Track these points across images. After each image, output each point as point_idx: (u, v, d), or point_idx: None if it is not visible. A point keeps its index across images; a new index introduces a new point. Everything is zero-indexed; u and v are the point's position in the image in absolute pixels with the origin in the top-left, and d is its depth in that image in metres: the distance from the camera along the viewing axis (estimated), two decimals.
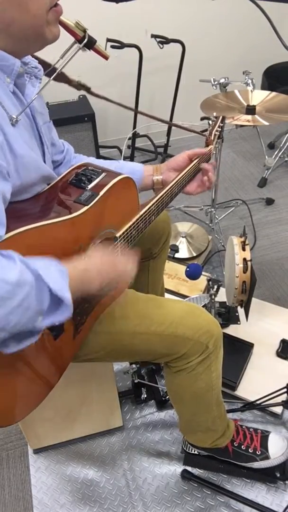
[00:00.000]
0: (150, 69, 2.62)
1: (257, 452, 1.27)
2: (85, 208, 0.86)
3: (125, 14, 2.30)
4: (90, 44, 0.84)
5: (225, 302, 1.66)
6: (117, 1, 1.66)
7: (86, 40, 0.83)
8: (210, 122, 1.38)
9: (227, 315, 1.68)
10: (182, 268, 1.87)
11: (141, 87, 2.58)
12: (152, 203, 1.02)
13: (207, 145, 1.26)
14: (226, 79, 1.98)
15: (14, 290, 0.62)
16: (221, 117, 1.36)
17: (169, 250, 1.60)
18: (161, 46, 2.40)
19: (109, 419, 1.45)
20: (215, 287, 1.56)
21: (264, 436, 1.30)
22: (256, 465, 1.28)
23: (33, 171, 0.83)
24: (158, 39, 2.39)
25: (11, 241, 0.70)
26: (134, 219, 0.98)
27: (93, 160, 1.15)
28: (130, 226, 0.97)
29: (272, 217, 2.42)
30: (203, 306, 1.59)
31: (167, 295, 1.74)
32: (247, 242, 1.44)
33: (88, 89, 1.00)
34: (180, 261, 2.00)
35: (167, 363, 1.10)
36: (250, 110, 1.90)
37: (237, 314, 1.71)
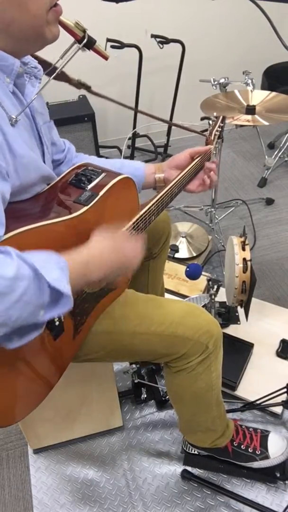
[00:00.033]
0: (150, 69, 2.62)
1: (256, 452, 1.27)
2: (85, 208, 0.86)
3: (125, 14, 2.30)
4: (90, 44, 0.84)
5: (225, 302, 1.66)
6: (117, 1, 1.66)
7: (85, 40, 0.83)
8: (210, 122, 1.38)
9: (227, 315, 1.68)
10: (182, 268, 1.87)
11: (141, 87, 2.58)
12: (152, 203, 1.02)
13: (207, 145, 1.26)
14: (226, 79, 1.98)
15: (12, 285, 0.62)
16: (221, 117, 1.36)
17: (169, 250, 1.60)
18: (161, 46, 2.40)
19: (109, 419, 1.45)
20: (215, 287, 1.56)
21: (264, 435, 1.30)
22: (256, 464, 1.27)
23: (33, 171, 0.84)
24: (158, 39, 2.39)
25: (10, 241, 0.70)
26: (134, 219, 0.98)
27: (94, 159, 1.15)
28: (130, 226, 0.97)
29: (272, 217, 2.42)
30: (203, 306, 1.59)
31: (167, 295, 1.74)
32: (247, 242, 1.44)
33: (88, 88, 1.00)
34: (180, 261, 2.00)
35: (167, 363, 1.10)
36: (250, 110, 1.90)
37: (237, 314, 1.71)
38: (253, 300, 1.48)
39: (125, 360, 1.50)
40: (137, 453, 1.43)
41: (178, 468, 1.38)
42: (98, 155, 2.72)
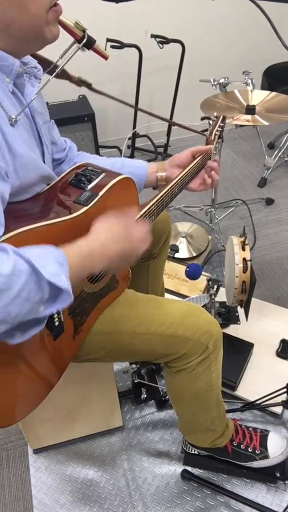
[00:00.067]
0: (150, 69, 2.62)
1: (256, 451, 1.27)
2: (85, 208, 0.86)
3: (125, 14, 2.30)
4: (90, 44, 0.84)
5: (225, 302, 1.66)
6: (117, 1, 1.66)
7: (85, 40, 0.83)
8: (211, 122, 1.38)
9: (227, 315, 1.68)
10: (182, 268, 1.87)
11: (141, 87, 2.58)
12: (152, 203, 1.02)
13: (207, 145, 1.26)
14: (226, 79, 1.98)
15: (9, 281, 0.62)
16: (221, 117, 1.36)
17: (169, 250, 1.60)
18: (161, 46, 2.40)
19: (109, 419, 1.45)
20: (215, 287, 1.56)
21: (264, 435, 1.30)
22: (256, 464, 1.27)
23: (32, 171, 0.83)
24: (158, 39, 2.39)
25: (10, 241, 0.70)
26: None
27: (95, 158, 1.15)
28: None
29: (272, 217, 2.42)
30: (203, 306, 1.59)
31: (167, 295, 1.74)
32: (247, 242, 1.44)
33: (89, 85, 0.99)
34: (180, 261, 2.00)
35: (167, 363, 1.10)
36: (250, 110, 1.90)
37: (237, 314, 1.71)
38: (253, 300, 1.48)
39: (125, 360, 1.50)
40: (137, 453, 1.43)
41: (178, 468, 1.38)
42: (98, 155, 2.72)
